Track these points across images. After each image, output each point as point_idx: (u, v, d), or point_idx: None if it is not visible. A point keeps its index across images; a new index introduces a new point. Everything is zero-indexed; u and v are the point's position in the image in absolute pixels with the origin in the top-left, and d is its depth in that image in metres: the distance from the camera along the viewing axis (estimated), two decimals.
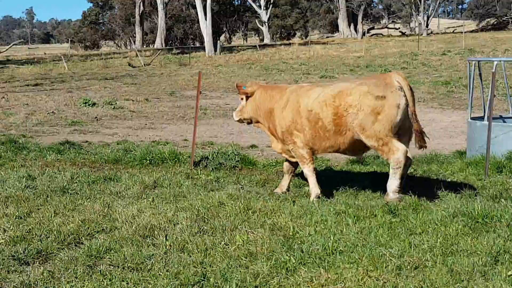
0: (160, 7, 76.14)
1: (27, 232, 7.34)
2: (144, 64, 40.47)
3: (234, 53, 48.77)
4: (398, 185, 8.69)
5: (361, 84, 8.82)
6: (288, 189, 9.83)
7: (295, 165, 9.80)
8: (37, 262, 6.56)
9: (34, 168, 11.09)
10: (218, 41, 50.17)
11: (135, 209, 8.26)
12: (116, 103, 22.35)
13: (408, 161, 8.92)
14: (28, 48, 51.21)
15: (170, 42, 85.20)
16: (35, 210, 8.26)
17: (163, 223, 7.66)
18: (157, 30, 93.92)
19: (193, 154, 11.47)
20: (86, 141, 14.88)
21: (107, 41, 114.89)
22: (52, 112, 20.40)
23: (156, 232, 7.36)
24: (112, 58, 49.13)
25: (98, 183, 9.99)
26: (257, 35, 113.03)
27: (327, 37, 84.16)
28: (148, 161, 11.82)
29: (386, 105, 8.55)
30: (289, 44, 60.03)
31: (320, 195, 9.21)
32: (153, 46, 77.90)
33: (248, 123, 10.37)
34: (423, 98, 23.32)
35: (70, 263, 6.35)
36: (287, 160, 9.85)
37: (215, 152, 11.66)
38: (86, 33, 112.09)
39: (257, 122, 10.07)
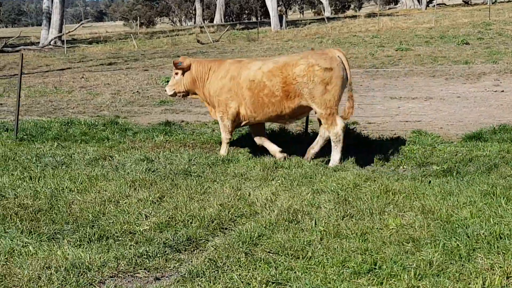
0: None
1: (169, 218, 7.20)
2: (213, 41, 40.23)
3: (300, 27, 48.25)
4: (339, 158, 9.83)
5: (306, 57, 9.85)
6: (282, 150, 10.56)
7: (261, 127, 10.78)
8: (189, 250, 6.42)
9: (145, 150, 11.00)
10: (284, 16, 49.60)
11: (269, 192, 8.06)
12: None
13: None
14: (83, 26, 51.42)
15: (227, 17, 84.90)
16: (166, 194, 8.13)
17: (304, 206, 7.46)
18: (213, 5, 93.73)
19: (307, 131, 11.24)
20: (183, 121, 14.73)
21: (162, 18, 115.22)
22: (137, 91, 20.35)
23: (299, 216, 7.16)
24: (178, 35, 49.05)
25: (218, 165, 9.83)
26: (312, 8, 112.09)
27: (389, 8, 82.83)
28: None
29: (334, 76, 9.62)
30: (354, 16, 59.16)
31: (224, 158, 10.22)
32: (212, 22, 77.70)
33: (183, 96, 11.16)
34: (510, 69, 22.61)
35: (227, 251, 6.18)
36: (253, 133, 10.84)
37: None
38: (140, 10, 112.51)
39: (194, 93, 10.96)
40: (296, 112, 10.13)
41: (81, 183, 8.66)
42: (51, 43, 44.26)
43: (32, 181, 8.81)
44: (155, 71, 26.40)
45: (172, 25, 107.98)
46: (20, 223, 7.08)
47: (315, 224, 6.86)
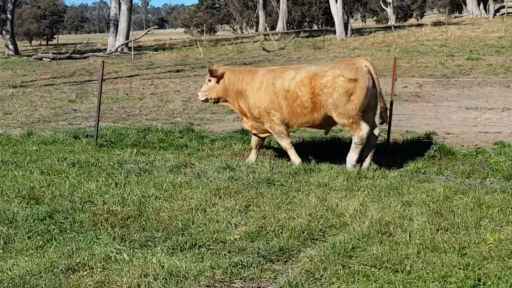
0: None
1: (259, 227, 7.14)
2: (278, 48, 40.16)
3: (366, 35, 47.87)
4: (356, 159, 10.21)
5: (334, 68, 10.12)
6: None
7: (262, 140, 11.12)
8: (282, 260, 6.35)
9: (224, 158, 11.00)
10: (349, 24, 49.29)
11: (357, 203, 7.94)
12: None
13: (374, 139, 10.41)
14: (150, 32, 52.17)
15: (288, 24, 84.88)
16: (252, 203, 8.07)
17: (396, 218, 7.31)
18: (274, 13, 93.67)
19: (389, 141, 11.07)
20: None
21: (223, 25, 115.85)
22: None
23: (391, 228, 7.02)
24: (242, 43, 49.15)
25: (300, 174, 9.73)
26: (374, 16, 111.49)
27: (455, 17, 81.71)
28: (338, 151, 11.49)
29: (358, 87, 9.86)
30: (420, 25, 58.43)
31: (301, 164, 10.37)
32: (274, 29, 77.83)
33: (214, 102, 11.35)
34: None
35: (323, 262, 6.08)
36: (254, 135, 11.05)
37: (410, 141, 11.17)
38: (201, 18, 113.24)
39: (225, 101, 11.17)
40: (328, 122, 10.44)
41: (166, 190, 8.67)
42: (118, 50, 44.85)
43: (118, 187, 8.86)
44: None
45: (233, 32, 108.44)
46: (111, 230, 7.11)
47: (410, 237, 6.71)
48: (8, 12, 56.63)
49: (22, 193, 8.55)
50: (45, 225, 7.36)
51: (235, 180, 9.30)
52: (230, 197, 8.32)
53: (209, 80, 11.14)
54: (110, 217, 7.57)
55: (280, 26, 74.32)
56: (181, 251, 6.52)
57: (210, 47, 47.17)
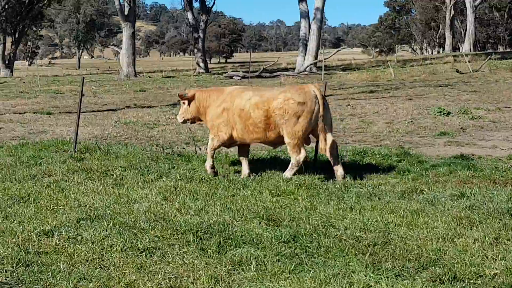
0: (469, 11, 74.01)
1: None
2: (472, 70, 38.92)
3: None
4: (291, 176, 10.87)
5: (285, 91, 11.00)
6: (249, 173, 11.63)
7: (246, 148, 11.81)
8: None
9: (452, 185, 10.58)
10: None
11: None
12: (471, 113, 21.37)
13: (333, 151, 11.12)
14: (321, 53, 52.18)
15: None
16: (502, 235, 7.67)
17: None
18: (457, 34, 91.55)
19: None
20: (473, 154, 14.08)
21: (402, 45, 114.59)
22: (411, 121, 19.96)
23: None
24: (431, 64, 48.16)
25: None
26: None
27: None
28: None
29: (306, 110, 10.74)
30: None
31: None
32: (457, 50, 75.98)
33: (191, 122, 12.39)
34: None
35: None
36: (238, 151, 11.93)
37: None
38: (380, 38, 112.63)
39: (199, 120, 12.14)
40: (279, 139, 11.19)
41: (405, 218, 8.41)
42: (307, 69, 45.22)
43: (354, 212, 8.71)
44: (421, 101, 25.79)
45: (412, 52, 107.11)
46: (361, 256, 6.94)
47: None
48: (200, 31, 58.77)
49: (260, 214, 8.58)
50: (290, 248, 7.32)
51: (474, 209, 8.90)
52: (475, 228, 7.95)
53: (183, 103, 12.07)
54: (356, 243, 7.41)
55: (467, 47, 72.46)
56: (441, 283, 6.25)
57: (398, 67, 46.49)
